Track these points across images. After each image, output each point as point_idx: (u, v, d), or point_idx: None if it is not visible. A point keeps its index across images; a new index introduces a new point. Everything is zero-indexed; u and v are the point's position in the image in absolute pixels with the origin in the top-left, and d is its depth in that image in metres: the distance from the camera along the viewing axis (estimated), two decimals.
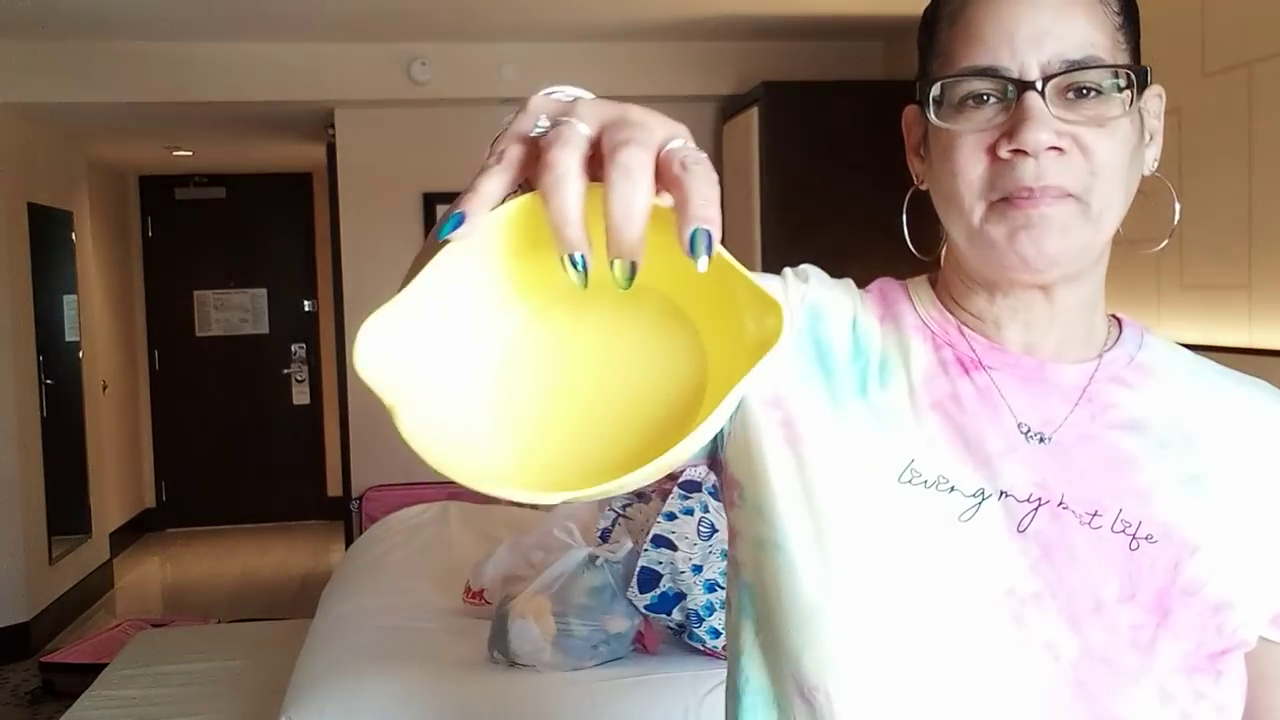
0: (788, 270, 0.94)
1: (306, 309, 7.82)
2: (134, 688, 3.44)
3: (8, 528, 5.03)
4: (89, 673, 3.90)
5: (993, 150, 0.81)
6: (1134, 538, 0.82)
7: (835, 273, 0.96)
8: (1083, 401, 0.86)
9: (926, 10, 0.88)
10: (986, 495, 0.83)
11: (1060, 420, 0.86)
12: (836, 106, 4.62)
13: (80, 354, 5.98)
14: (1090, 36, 0.80)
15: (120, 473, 7.04)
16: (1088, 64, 0.80)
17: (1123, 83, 0.81)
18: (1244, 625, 0.83)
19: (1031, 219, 0.80)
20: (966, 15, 0.83)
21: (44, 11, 4.29)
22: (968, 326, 0.90)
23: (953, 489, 0.83)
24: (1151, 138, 0.87)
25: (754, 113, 4.74)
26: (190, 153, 6.84)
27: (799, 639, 0.82)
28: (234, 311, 7.76)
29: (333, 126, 5.24)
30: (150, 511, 7.65)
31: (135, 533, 7.33)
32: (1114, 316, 0.93)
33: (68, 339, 5.85)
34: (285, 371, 7.82)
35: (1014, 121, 0.79)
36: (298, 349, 7.82)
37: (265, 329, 7.79)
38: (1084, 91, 0.80)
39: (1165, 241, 0.92)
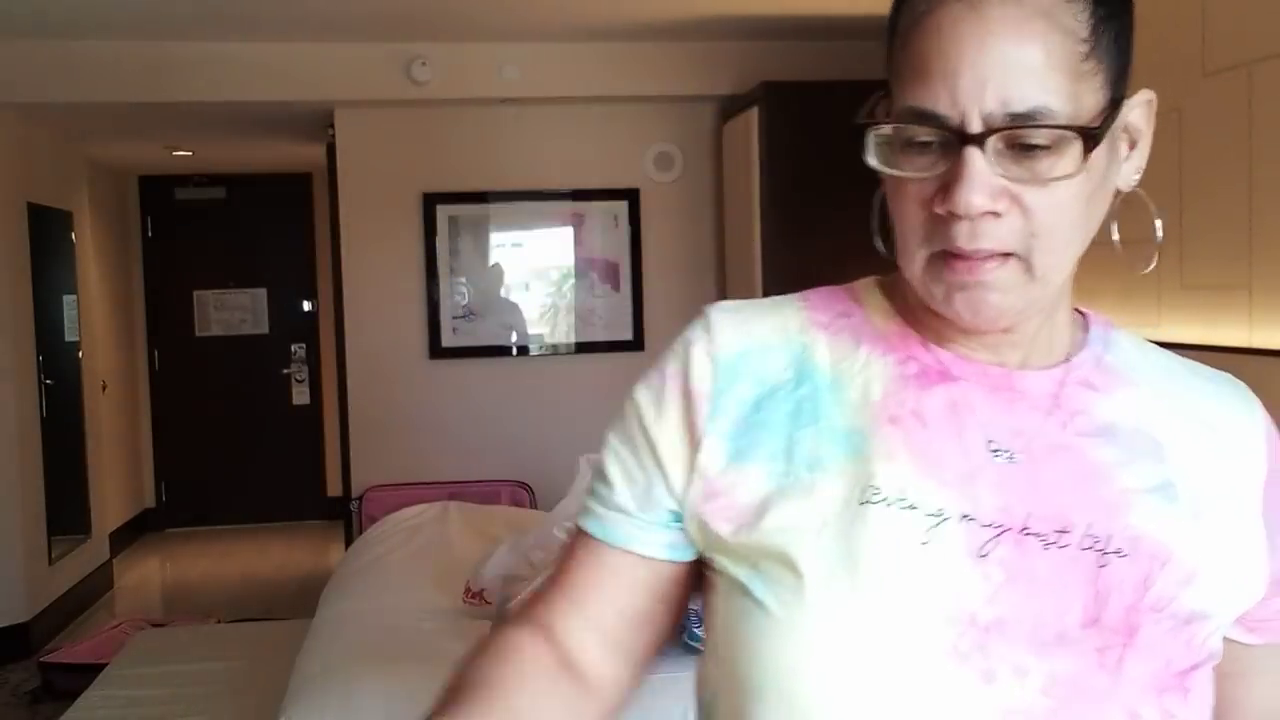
0: (691, 332, 0.88)
1: (306, 309, 7.81)
2: (134, 688, 3.44)
3: (7, 528, 5.03)
4: (89, 673, 3.90)
5: (930, 203, 0.76)
6: (1104, 553, 0.79)
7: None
8: (1053, 409, 0.83)
9: (891, 11, 0.81)
10: (946, 517, 0.79)
11: (1031, 431, 0.82)
12: (836, 106, 4.57)
13: (80, 354, 5.98)
14: (1044, 79, 0.73)
15: (120, 473, 7.03)
16: (1034, 117, 0.73)
17: (1074, 133, 0.74)
18: (1215, 634, 0.81)
19: (968, 283, 0.76)
20: (914, 43, 0.76)
21: (44, 11, 4.29)
22: (931, 338, 0.85)
23: (913, 508, 0.79)
24: (1134, 146, 0.82)
25: (754, 113, 4.74)
26: (190, 153, 6.84)
27: (757, 673, 0.79)
28: (234, 311, 7.75)
29: (333, 126, 5.23)
30: (150, 511, 7.65)
31: (135, 533, 7.32)
32: (1079, 311, 0.89)
33: (68, 339, 5.85)
34: (285, 371, 7.82)
35: (951, 176, 0.74)
36: (298, 349, 7.82)
37: (265, 329, 7.78)
38: (1030, 145, 0.74)
39: (1154, 263, 0.88)
